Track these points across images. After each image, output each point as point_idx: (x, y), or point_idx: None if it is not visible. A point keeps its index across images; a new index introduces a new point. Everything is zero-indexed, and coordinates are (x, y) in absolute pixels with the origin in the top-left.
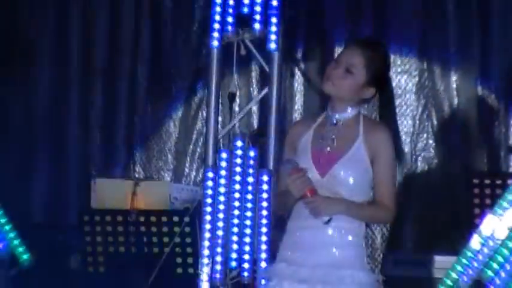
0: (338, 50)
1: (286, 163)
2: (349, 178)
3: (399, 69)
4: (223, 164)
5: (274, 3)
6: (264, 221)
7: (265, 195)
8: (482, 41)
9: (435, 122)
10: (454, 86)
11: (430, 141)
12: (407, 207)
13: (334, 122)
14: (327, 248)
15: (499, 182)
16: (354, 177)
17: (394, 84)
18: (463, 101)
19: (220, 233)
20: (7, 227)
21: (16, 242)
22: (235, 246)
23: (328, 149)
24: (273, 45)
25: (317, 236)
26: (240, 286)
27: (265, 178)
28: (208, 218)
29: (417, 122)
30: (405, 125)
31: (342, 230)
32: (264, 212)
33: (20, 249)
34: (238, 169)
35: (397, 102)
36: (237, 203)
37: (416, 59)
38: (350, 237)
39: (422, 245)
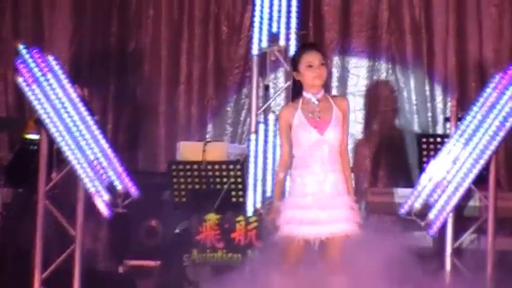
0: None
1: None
2: (338, 134)
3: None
4: (261, 131)
5: (293, 26)
6: None
7: None
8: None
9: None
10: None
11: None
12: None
13: (316, 101)
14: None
15: (439, 140)
16: (339, 133)
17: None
18: (416, 87)
19: (259, 175)
20: (123, 172)
21: (128, 182)
22: (269, 183)
23: (318, 118)
24: (292, 53)
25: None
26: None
27: None
28: (251, 166)
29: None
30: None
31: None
32: None
33: (131, 187)
34: (270, 134)
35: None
36: (270, 156)
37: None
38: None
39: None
